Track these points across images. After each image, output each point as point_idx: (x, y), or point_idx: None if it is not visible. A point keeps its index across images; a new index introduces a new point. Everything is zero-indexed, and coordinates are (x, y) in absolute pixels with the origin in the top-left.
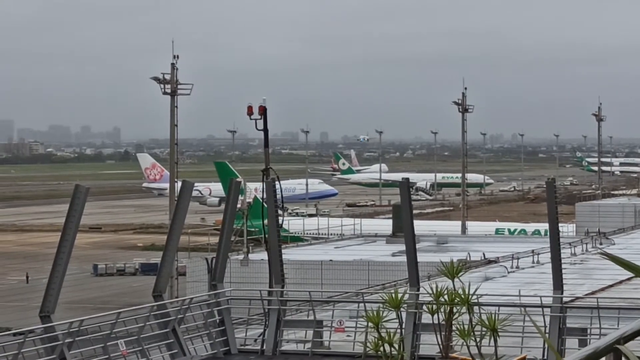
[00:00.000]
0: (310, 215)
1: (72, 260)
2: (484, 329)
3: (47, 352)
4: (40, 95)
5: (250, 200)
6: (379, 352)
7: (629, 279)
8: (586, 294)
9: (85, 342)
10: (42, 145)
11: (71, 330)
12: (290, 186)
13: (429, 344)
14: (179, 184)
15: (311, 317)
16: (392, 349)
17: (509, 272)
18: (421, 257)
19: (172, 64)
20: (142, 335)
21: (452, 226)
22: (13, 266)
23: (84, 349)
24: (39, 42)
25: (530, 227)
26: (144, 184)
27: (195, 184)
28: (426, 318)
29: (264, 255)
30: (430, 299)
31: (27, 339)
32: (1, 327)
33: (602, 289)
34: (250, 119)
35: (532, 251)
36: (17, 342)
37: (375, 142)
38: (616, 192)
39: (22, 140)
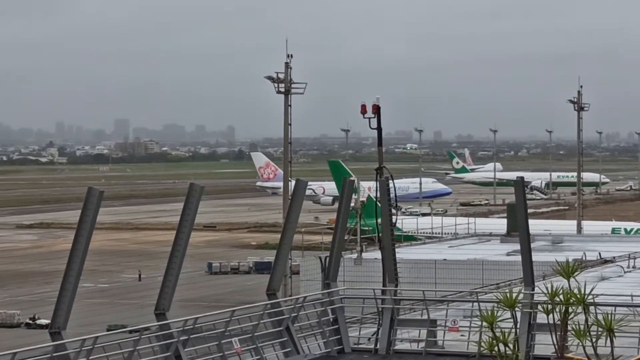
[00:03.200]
0: (424, 214)
1: (187, 258)
2: (600, 329)
3: (162, 350)
4: (155, 95)
5: (364, 199)
6: (494, 352)
7: None
8: None
9: (200, 340)
10: (157, 145)
11: (186, 328)
12: (404, 185)
13: (544, 344)
14: (292, 183)
15: (425, 317)
16: (507, 348)
17: (625, 272)
18: (536, 257)
19: (286, 63)
20: (256, 334)
21: (567, 225)
22: (128, 264)
23: (199, 347)
24: (146, 43)
25: None
26: (258, 183)
27: (309, 183)
28: (541, 318)
29: (377, 254)
30: (545, 298)
31: (142, 337)
32: (117, 325)
33: None
34: (364, 117)
35: None
36: (132, 340)
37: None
38: None
39: (138, 139)
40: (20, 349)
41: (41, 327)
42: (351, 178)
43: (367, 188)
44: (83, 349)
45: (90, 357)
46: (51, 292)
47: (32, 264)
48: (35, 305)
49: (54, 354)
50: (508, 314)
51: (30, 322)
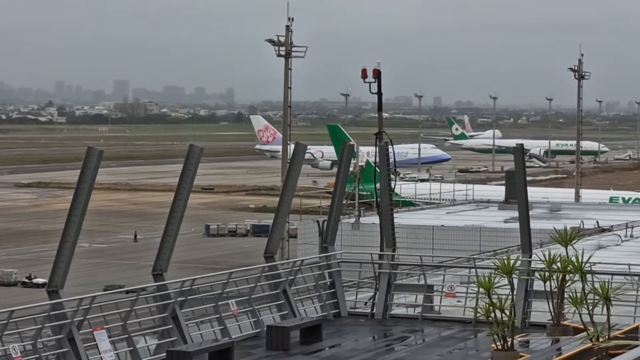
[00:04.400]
0: (422, 180)
1: (185, 220)
2: (597, 297)
3: (159, 310)
4: (155, 56)
5: (363, 163)
6: (490, 318)
7: None
8: None
9: (197, 302)
10: (156, 106)
11: (183, 289)
12: (403, 151)
13: (541, 311)
14: (291, 147)
15: (422, 282)
16: (503, 315)
17: (622, 241)
18: (534, 224)
19: (287, 27)
20: (253, 296)
21: (565, 194)
22: (125, 225)
23: (196, 308)
24: (148, 3)
25: None
26: (257, 146)
27: (308, 147)
28: (538, 285)
29: (375, 219)
30: (542, 266)
31: (139, 297)
32: (114, 285)
33: None
34: (365, 82)
35: None
36: (129, 300)
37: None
38: None
39: (137, 100)
40: (17, 307)
41: (37, 285)
42: (350, 142)
43: (366, 153)
44: (80, 308)
45: (87, 317)
46: (48, 251)
47: (30, 222)
48: (32, 264)
49: (52, 313)
50: (505, 281)
51: (27, 280)
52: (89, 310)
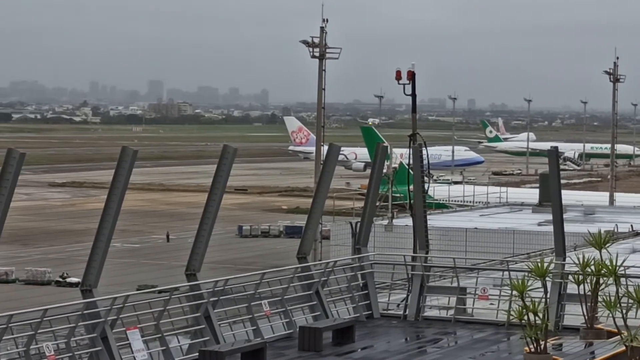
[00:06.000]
0: (456, 183)
1: (218, 220)
2: (630, 300)
3: (191, 310)
4: (190, 56)
5: (396, 165)
6: (523, 321)
7: None
8: None
9: (230, 302)
10: (190, 107)
11: (216, 289)
12: (437, 153)
13: (574, 314)
14: (325, 148)
15: (455, 284)
16: (536, 318)
17: None
18: (568, 227)
19: (322, 28)
20: (285, 297)
21: (599, 197)
22: (158, 225)
23: (228, 308)
24: (182, 4)
25: None
26: (290, 147)
27: (341, 149)
28: (572, 288)
29: (408, 221)
30: (576, 269)
31: (172, 297)
32: (146, 285)
33: None
34: (399, 83)
35: None
36: (162, 299)
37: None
38: None
39: (171, 100)
40: (51, 306)
41: (71, 285)
42: (384, 144)
43: (400, 155)
44: (113, 307)
45: (120, 316)
46: (82, 251)
47: (64, 222)
48: (66, 263)
49: (85, 312)
50: (538, 284)
51: (60, 280)
52: (122, 309)
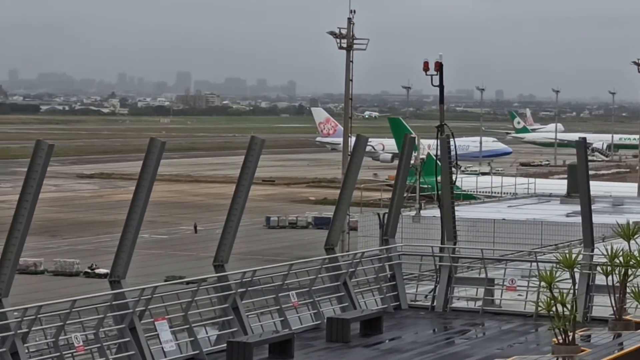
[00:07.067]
0: (484, 174)
1: (245, 212)
2: None
3: (219, 301)
4: (217, 48)
5: (424, 156)
6: (551, 312)
7: None
8: None
9: (257, 293)
10: (218, 98)
11: (244, 280)
12: (464, 144)
13: (602, 305)
14: (352, 139)
15: (482, 275)
16: (565, 309)
17: None
18: (596, 218)
19: (349, 19)
20: (313, 288)
21: (628, 188)
22: (186, 216)
23: (256, 299)
24: None
25: None
26: (318, 138)
27: (369, 140)
28: (600, 279)
29: (435, 212)
30: (604, 260)
31: (200, 288)
32: (174, 276)
33: None
34: (426, 74)
35: None
36: (190, 290)
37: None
38: None
39: (199, 92)
40: (79, 297)
41: (99, 276)
42: (411, 135)
43: (427, 146)
44: (142, 298)
45: (148, 307)
46: (110, 242)
47: (92, 213)
48: (94, 254)
49: (113, 302)
50: (566, 275)
51: (89, 271)
52: (150, 300)
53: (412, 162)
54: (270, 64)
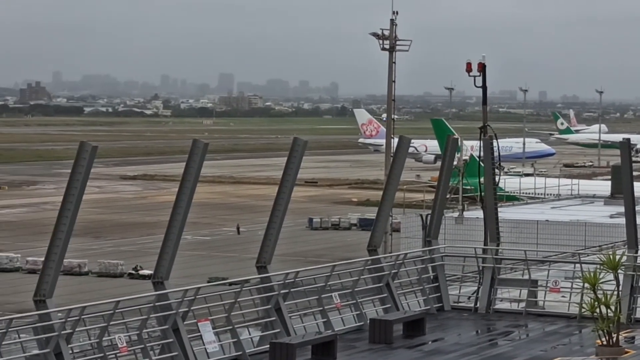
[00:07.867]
0: (527, 175)
1: (288, 213)
2: None
3: (262, 302)
4: (259, 50)
5: (467, 158)
6: (595, 314)
7: None
8: None
9: (300, 294)
10: (260, 99)
11: (287, 281)
12: (507, 145)
13: None
14: (395, 140)
15: (526, 277)
16: (609, 310)
17: None
18: None
19: (391, 20)
20: (356, 289)
21: None
22: (229, 217)
23: (299, 300)
24: None
25: None
26: (360, 140)
27: (412, 141)
28: None
29: (478, 214)
30: None
31: (243, 289)
32: (217, 277)
33: None
34: (469, 75)
35: None
36: (233, 292)
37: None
38: None
39: (242, 93)
40: (123, 298)
41: (143, 277)
42: (454, 136)
43: (470, 147)
44: (185, 299)
45: (192, 308)
46: (153, 243)
47: (135, 214)
48: (137, 255)
49: (157, 303)
50: (610, 276)
51: (133, 272)
52: (193, 301)
53: (454, 163)
54: (313, 65)
